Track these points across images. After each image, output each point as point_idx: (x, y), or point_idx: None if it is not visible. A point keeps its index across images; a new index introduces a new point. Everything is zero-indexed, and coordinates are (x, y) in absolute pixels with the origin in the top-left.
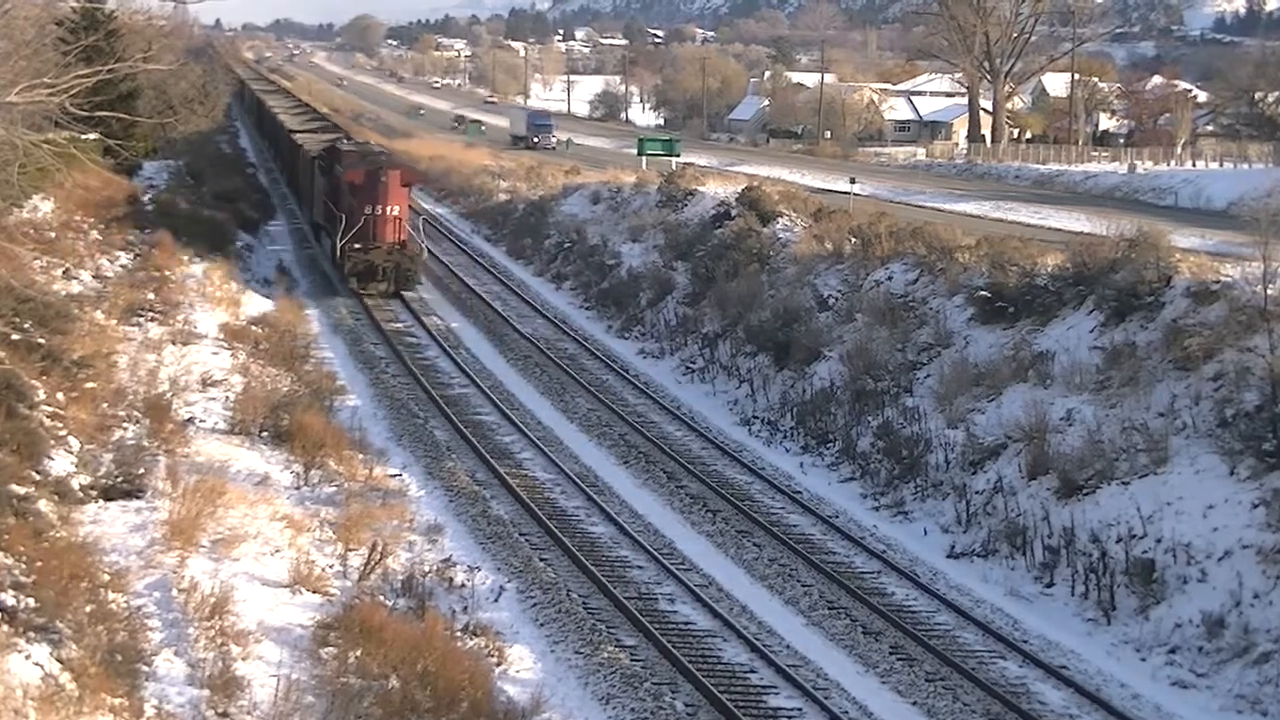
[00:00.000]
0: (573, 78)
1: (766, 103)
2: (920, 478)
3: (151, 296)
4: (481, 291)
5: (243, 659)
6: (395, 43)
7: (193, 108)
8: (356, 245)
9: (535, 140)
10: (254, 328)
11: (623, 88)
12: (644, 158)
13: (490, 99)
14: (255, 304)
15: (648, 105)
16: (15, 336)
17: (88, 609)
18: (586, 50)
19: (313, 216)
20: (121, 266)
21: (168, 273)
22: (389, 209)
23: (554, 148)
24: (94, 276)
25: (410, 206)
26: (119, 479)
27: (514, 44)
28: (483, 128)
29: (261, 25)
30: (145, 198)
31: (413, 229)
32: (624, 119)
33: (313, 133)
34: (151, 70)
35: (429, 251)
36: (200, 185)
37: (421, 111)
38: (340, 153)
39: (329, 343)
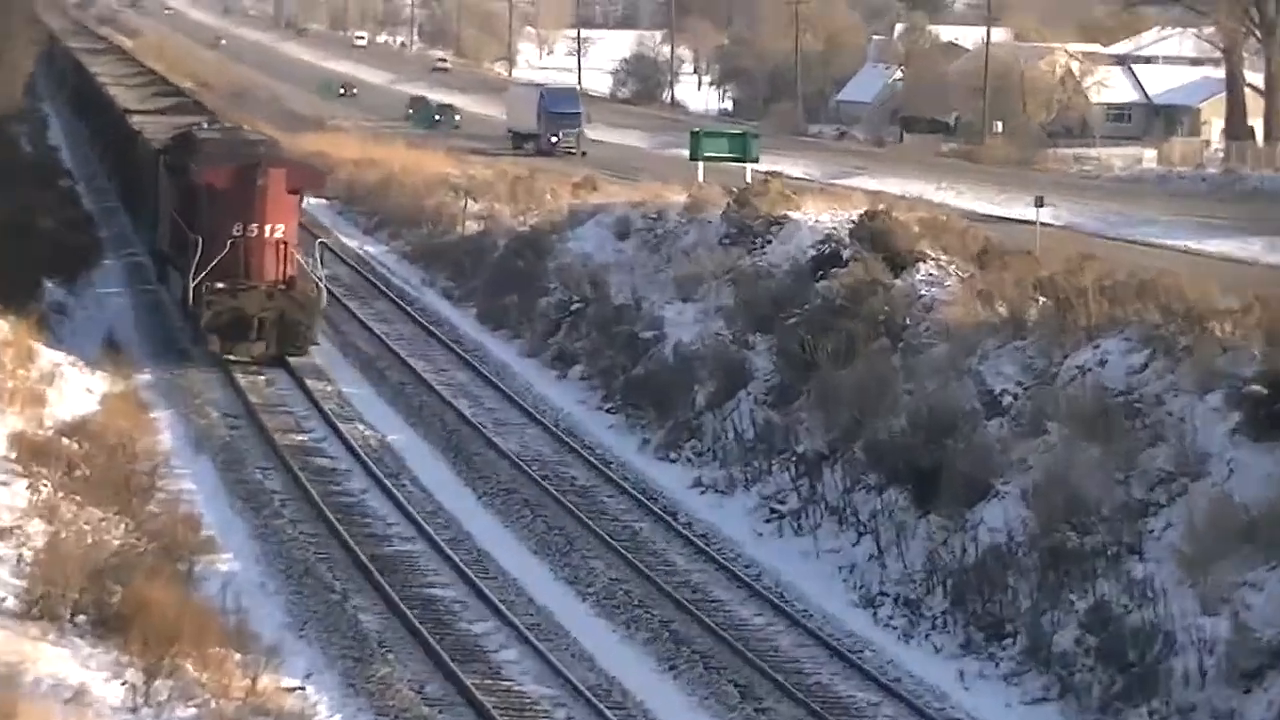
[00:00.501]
0: (586, 34)
1: (898, 75)
2: (1158, 699)
3: None
4: (436, 382)
5: None
6: None
7: None
8: (219, 284)
9: (554, 139)
10: (66, 440)
11: (666, 49)
12: (700, 163)
13: (441, 63)
14: (71, 399)
15: (706, 78)
16: None
17: None
18: None
19: (155, 242)
20: None
21: None
22: (269, 228)
23: (582, 152)
24: None
25: (301, 224)
26: None
27: None
28: (457, 118)
29: None
30: None
31: (306, 257)
32: (668, 99)
33: (160, 115)
34: None
35: (329, 294)
36: None
37: (350, 91)
38: (196, 142)
39: (188, 463)
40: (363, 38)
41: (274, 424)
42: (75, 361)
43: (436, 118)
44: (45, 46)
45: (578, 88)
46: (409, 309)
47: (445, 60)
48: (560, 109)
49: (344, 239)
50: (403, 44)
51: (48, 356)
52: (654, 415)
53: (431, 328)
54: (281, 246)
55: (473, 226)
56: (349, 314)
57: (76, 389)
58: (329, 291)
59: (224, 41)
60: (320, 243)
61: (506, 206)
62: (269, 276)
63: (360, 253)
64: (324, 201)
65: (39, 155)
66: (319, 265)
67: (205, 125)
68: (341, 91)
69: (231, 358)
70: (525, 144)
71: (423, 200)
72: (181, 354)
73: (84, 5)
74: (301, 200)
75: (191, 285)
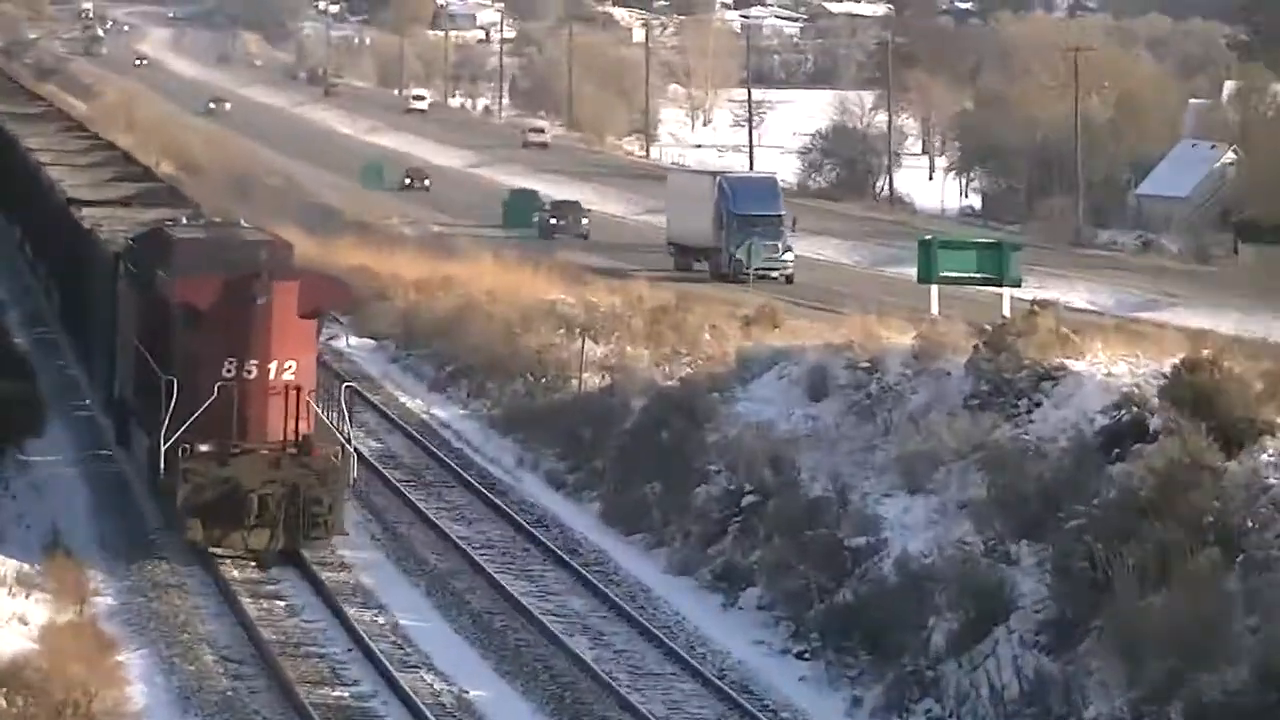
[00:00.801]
0: (760, 95)
1: (1228, 157)
2: None
3: None
4: (541, 610)
5: None
6: (335, 8)
7: None
8: (203, 447)
9: (743, 259)
10: None
11: (880, 118)
12: (934, 287)
13: (536, 135)
14: None
15: (940, 161)
16: None
17: None
18: (791, 32)
19: (114, 388)
20: None
21: None
22: (274, 366)
23: (787, 276)
24: None
25: (320, 358)
26: None
27: (618, 11)
28: (584, 222)
29: None
30: None
31: (325, 403)
32: (883, 191)
33: (121, 207)
34: None
35: (360, 459)
36: None
37: (421, 183)
38: (169, 243)
39: None
40: (423, 98)
41: (298, 672)
42: (2, 577)
43: (552, 221)
44: None
45: (776, 178)
46: (499, 502)
47: (544, 131)
48: (752, 209)
49: (401, 396)
50: (487, 108)
51: None
52: (868, 662)
53: (533, 530)
54: (292, 393)
55: (594, 380)
56: (410, 509)
57: (4, 618)
58: (359, 455)
59: (228, 106)
60: (347, 386)
61: (643, 351)
62: (274, 435)
63: (425, 417)
64: (370, 341)
65: None
66: (346, 419)
67: (184, 220)
68: (408, 181)
69: (219, 550)
70: (696, 262)
71: (518, 341)
72: (157, 559)
73: (13, 51)
74: (321, 326)
75: (163, 448)
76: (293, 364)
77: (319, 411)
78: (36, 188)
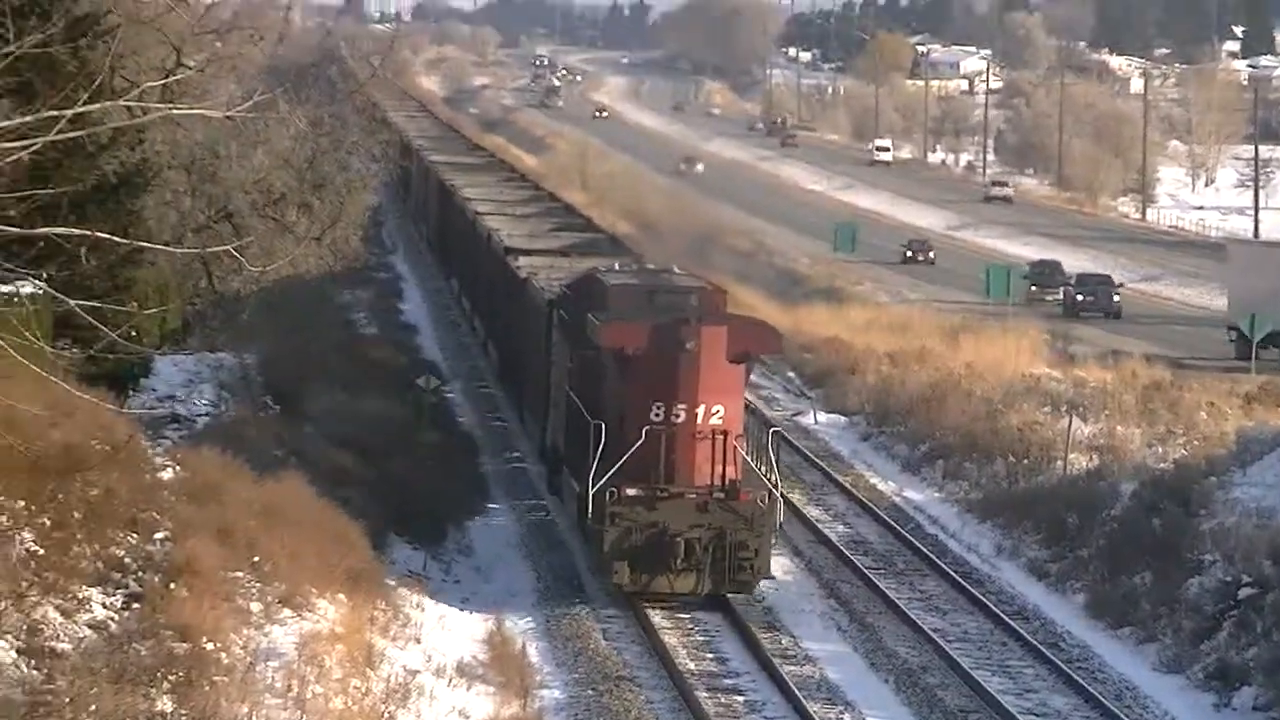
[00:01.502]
0: (1268, 152)
1: None
2: None
3: (168, 708)
4: (1019, 709)
5: None
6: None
7: (285, 216)
8: (630, 491)
9: None
10: None
11: None
12: None
13: (999, 188)
14: None
15: None
16: None
17: None
18: None
19: (548, 437)
20: (96, 626)
21: (208, 643)
22: (702, 410)
23: None
24: (23, 655)
25: (750, 408)
26: None
27: (1114, 60)
28: (1115, 297)
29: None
30: (156, 449)
31: (753, 452)
32: None
33: (559, 256)
34: (181, 115)
35: (828, 552)
36: (295, 415)
37: (925, 256)
38: (600, 289)
39: None
40: (887, 149)
41: None
42: (440, 665)
43: (1079, 296)
44: (399, 161)
45: None
46: (975, 592)
47: (1005, 185)
48: None
49: (871, 478)
50: (969, 164)
51: (397, 658)
52: None
53: (1011, 622)
54: (719, 437)
55: (1080, 462)
56: (879, 599)
57: (444, 712)
58: (785, 500)
59: (700, 167)
60: (774, 431)
61: (1135, 430)
62: (701, 480)
63: (897, 500)
64: (840, 417)
65: (386, 333)
66: (773, 464)
67: (616, 266)
68: (909, 254)
69: (647, 598)
70: (1263, 349)
71: (998, 419)
72: (608, 644)
73: (458, 100)
74: (749, 372)
75: (591, 491)
76: (720, 409)
77: (746, 456)
78: (474, 239)
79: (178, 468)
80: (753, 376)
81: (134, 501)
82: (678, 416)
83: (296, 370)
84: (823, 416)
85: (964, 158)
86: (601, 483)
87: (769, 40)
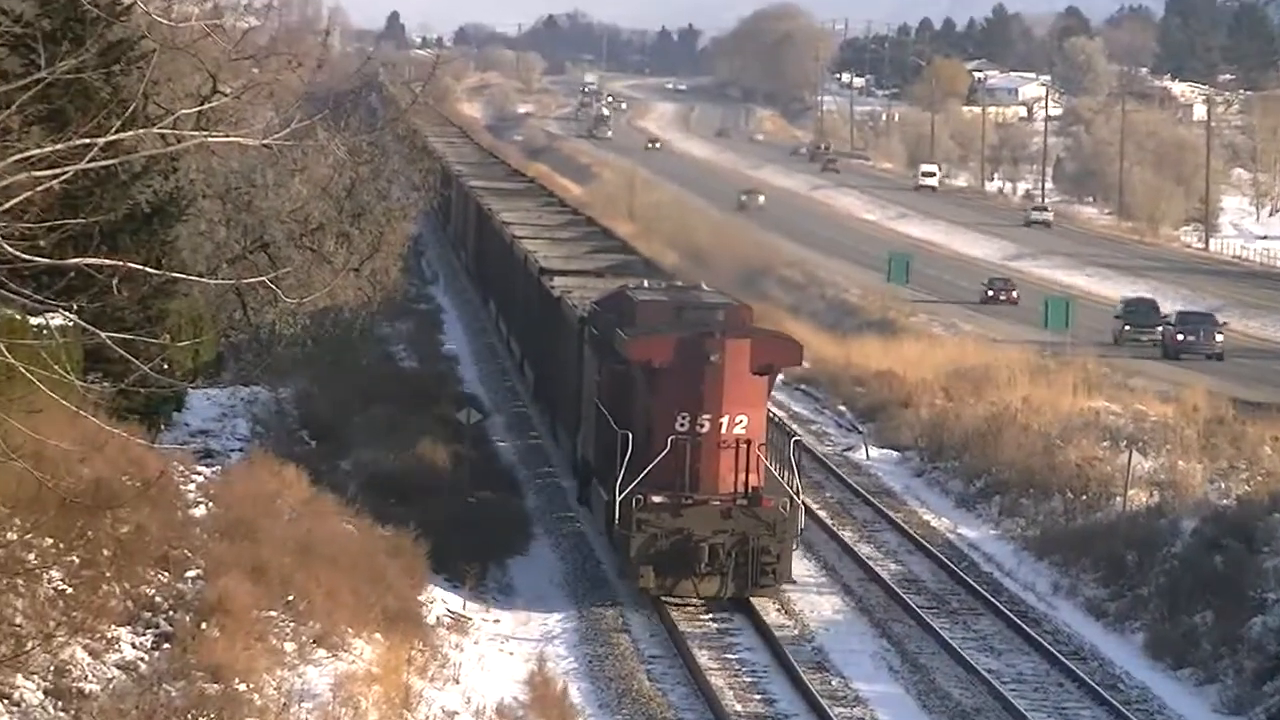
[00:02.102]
0: None
1: None
2: None
3: None
4: None
5: None
6: (860, 81)
7: (322, 246)
8: (656, 498)
9: None
10: None
11: None
12: None
13: (1040, 213)
14: None
15: None
16: None
17: None
18: None
19: (579, 450)
20: (125, 666)
21: (240, 684)
22: (726, 420)
23: None
24: (50, 696)
25: (772, 418)
26: None
27: (1177, 86)
28: (1218, 338)
29: (512, 34)
30: (188, 485)
31: (776, 461)
32: None
33: (594, 277)
34: (216, 143)
35: (879, 590)
36: (332, 451)
37: (1008, 293)
38: (629, 305)
39: None
40: (933, 174)
41: None
42: (480, 706)
43: (1180, 336)
44: (441, 188)
45: None
46: (1031, 631)
47: (1045, 209)
48: None
49: (925, 514)
50: (1028, 193)
51: (436, 700)
52: None
53: (1068, 662)
54: (743, 446)
55: (1140, 498)
56: (932, 638)
57: None
58: (807, 509)
59: (761, 199)
60: (795, 440)
61: (1196, 466)
62: (725, 488)
63: (951, 537)
64: (892, 453)
65: (427, 366)
66: (796, 472)
67: (645, 284)
68: (989, 293)
69: (670, 599)
70: None
71: (1055, 454)
72: (652, 685)
73: (501, 128)
74: (772, 383)
75: (618, 498)
76: (744, 419)
77: (768, 465)
78: (511, 261)
79: (210, 504)
80: (803, 410)
81: (165, 539)
82: (702, 426)
83: (334, 405)
84: (875, 451)
85: (1022, 186)
86: (628, 490)
87: (821, 66)
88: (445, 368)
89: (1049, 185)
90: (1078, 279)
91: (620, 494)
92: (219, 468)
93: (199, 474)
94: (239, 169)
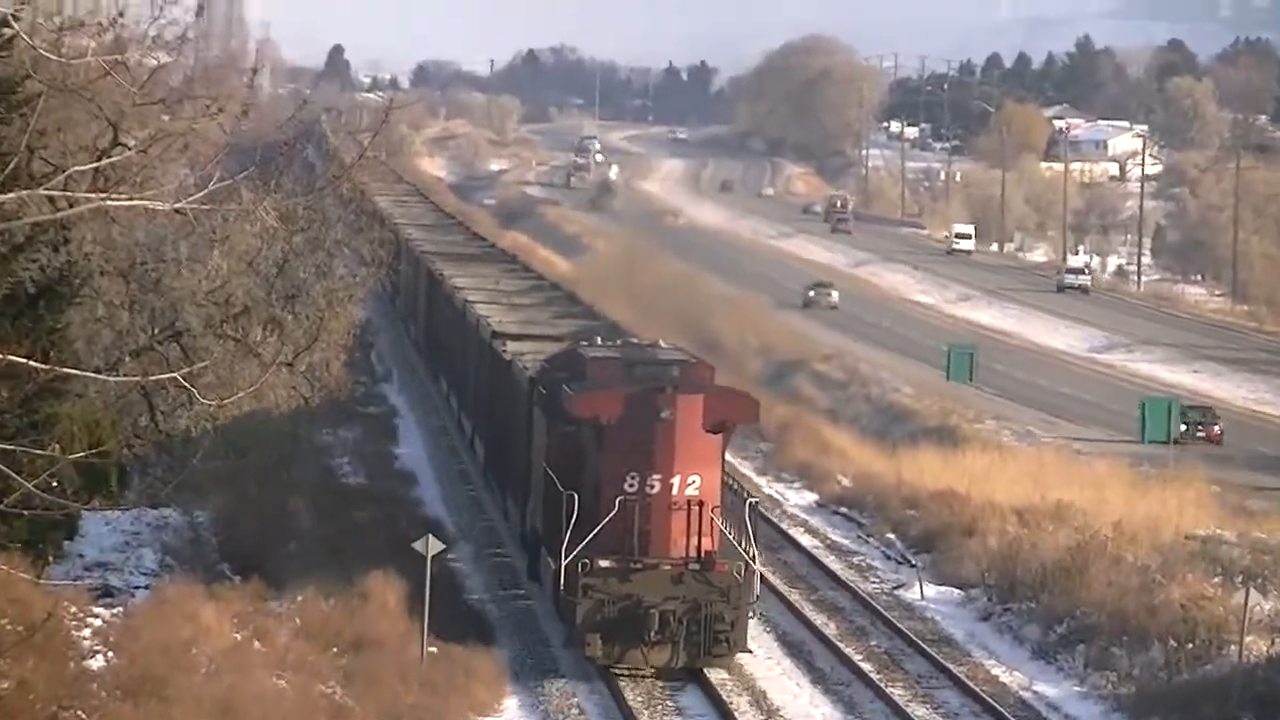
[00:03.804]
0: None
1: None
2: None
3: None
4: None
5: None
6: (913, 131)
7: (248, 334)
8: (603, 562)
9: None
10: None
11: None
12: None
13: (1075, 276)
14: None
15: None
16: None
17: None
18: None
19: (528, 522)
20: None
21: None
22: (677, 480)
23: None
24: None
25: (727, 479)
26: None
27: None
28: None
29: (482, 74)
30: (83, 631)
31: (730, 523)
32: None
33: (551, 341)
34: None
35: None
36: (263, 587)
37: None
38: (579, 362)
39: None
40: (968, 236)
41: None
42: None
43: None
44: (390, 267)
45: None
46: None
47: (1083, 272)
48: None
49: (993, 667)
50: (1120, 268)
51: None
52: None
53: None
54: (695, 508)
55: (1259, 646)
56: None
57: None
58: (762, 577)
59: (834, 294)
60: (751, 502)
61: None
62: (676, 551)
63: (1027, 696)
64: (954, 590)
65: (376, 496)
66: (751, 537)
67: (599, 341)
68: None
69: (618, 670)
70: None
71: (1155, 593)
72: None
73: (469, 188)
74: (727, 442)
75: (564, 563)
76: (696, 479)
77: (723, 528)
78: (462, 329)
79: (110, 654)
80: (842, 538)
81: (54, 697)
82: (652, 487)
83: (261, 532)
84: (931, 589)
85: (1113, 260)
86: (574, 554)
87: (866, 112)
88: (399, 487)
89: (1146, 260)
90: (1183, 376)
91: (566, 558)
92: (120, 609)
93: (96, 616)
94: (145, 240)
